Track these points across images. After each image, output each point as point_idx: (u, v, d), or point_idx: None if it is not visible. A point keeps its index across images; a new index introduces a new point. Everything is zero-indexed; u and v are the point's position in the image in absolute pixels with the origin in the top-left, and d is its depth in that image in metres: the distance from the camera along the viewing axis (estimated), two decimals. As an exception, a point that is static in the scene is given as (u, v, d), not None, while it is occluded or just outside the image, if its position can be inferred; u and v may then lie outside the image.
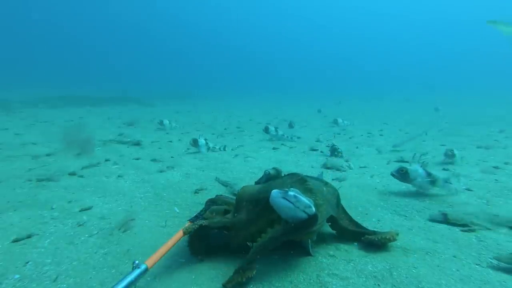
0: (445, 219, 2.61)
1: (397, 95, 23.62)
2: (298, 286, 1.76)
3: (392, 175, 3.37)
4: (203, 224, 1.99)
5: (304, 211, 1.73)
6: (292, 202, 1.72)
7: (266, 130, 6.80)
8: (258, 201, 2.04)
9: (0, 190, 3.31)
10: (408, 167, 3.33)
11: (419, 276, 1.83)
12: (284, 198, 1.73)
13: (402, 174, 3.30)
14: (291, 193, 1.72)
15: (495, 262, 1.97)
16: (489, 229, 2.47)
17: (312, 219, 1.77)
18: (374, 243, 2.14)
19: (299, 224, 1.78)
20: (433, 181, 3.29)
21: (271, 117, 11.60)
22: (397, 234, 2.17)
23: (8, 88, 19.02)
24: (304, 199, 1.73)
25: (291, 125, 8.54)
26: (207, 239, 2.11)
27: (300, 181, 2.13)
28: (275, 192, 1.78)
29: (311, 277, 1.84)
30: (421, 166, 3.38)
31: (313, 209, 1.75)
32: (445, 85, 30.80)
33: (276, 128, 6.88)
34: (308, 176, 2.30)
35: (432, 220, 2.67)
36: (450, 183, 3.29)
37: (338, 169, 4.47)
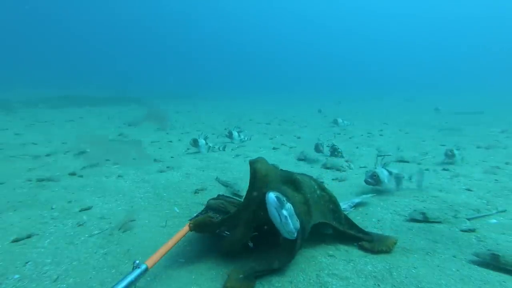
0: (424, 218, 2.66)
1: (397, 95, 23.61)
2: (298, 286, 1.76)
3: (367, 182, 3.32)
4: (211, 216, 2.09)
5: (287, 232, 1.83)
6: (282, 220, 1.80)
7: (230, 135, 6.66)
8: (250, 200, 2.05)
9: (0, 190, 3.31)
10: (377, 171, 3.32)
11: (419, 276, 1.83)
12: (276, 210, 1.79)
13: (376, 179, 3.29)
14: (284, 212, 1.80)
15: (475, 257, 2.01)
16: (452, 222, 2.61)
17: (295, 243, 1.90)
18: (370, 251, 2.13)
19: (288, 249, 1.92)
20: (398, 180, 3.37)
21: (271, 117, 11.60)
22: (395, 243, 2.15)
23: (8, 88, 19.02)
24: (292, 226, 1.81)
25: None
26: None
27: (294, 183, 2.11)
28: (272, 198, 1.81)
29: (311, 277, 1.84)
30: (382, 167, 3.40)
31: (295, 235, 1.85)
32: (446, 85, 30.78)
33: (239, 133, 6.79)
34: (303, 176, 2.27)
35: (412, 219, 2.69)
36: (403, 177, 3.39)
37: (338, 169, 4.46)
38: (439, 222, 2.62)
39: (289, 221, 1.80)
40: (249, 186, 2.04)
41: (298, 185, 2.09)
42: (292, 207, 1.85)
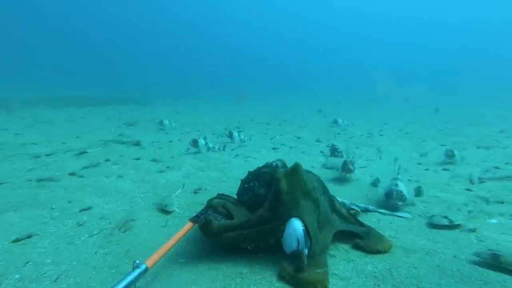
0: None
1: (397, 95, 23.59)
2: (298, 286, 1.75)
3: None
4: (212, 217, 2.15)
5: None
6: (298, 252, 1.84)
7: (230, 135, 6.55)
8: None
9: (0, 190, 3.31)
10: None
11: (419, 276, 1.83)
12: (298, 243, 1.84)
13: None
14: (306, 252, 1.85)
15: (475, 257, 2.01)
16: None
17: None
18: (366, 251, 2.14)
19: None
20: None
21: (271, 117, 11.59)
22: (390, 247, 2.15)
23: (8, 88, 19.00)
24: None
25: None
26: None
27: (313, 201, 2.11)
28: (300, 231, 1.86)
29: (311, 277, 1.84)
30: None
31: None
32: (445, 85, 30.76)
33: (239, 133, 6.65)
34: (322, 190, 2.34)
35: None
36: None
37: (338, 169, 4.46)
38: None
39: (305, 261, 1.81)
40: (270, 203, 2.08)
41: (316, 204, 2.11)
42: (304, 254, 1.86)
